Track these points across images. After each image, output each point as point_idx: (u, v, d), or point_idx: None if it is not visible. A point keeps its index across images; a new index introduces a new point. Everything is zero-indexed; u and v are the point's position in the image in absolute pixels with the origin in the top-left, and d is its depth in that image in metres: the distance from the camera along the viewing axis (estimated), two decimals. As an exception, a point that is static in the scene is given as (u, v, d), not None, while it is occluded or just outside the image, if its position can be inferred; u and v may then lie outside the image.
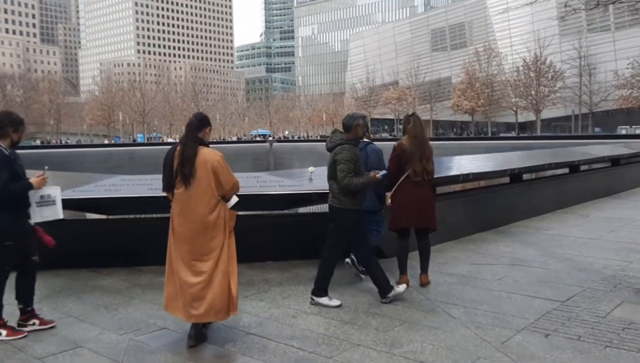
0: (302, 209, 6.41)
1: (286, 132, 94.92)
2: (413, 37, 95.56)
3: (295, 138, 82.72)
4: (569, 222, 9.23)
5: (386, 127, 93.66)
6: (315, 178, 6.16)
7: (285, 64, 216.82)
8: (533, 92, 64.19)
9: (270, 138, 74.70)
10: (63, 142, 66.18)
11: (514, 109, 66.28)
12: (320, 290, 4.91)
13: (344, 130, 5.08)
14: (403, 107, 77.63)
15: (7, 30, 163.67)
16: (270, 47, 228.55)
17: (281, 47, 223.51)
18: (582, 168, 12.26)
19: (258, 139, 76.80)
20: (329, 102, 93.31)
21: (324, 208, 5.32)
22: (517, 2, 78.28)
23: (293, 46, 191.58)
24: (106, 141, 74.75)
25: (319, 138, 79.65)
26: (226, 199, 4.18)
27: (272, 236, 6.29)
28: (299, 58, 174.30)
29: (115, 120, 76.02)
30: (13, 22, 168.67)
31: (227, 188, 4.13)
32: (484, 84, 69.89)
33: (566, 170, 11.65)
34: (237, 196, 4.24)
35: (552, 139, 46.40)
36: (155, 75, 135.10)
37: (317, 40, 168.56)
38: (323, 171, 6.32)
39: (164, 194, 4.37)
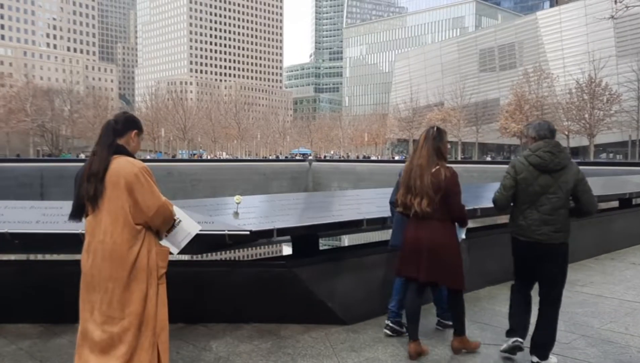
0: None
1: (331, 152, 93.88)
2: (460, 57, 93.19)
3: (336, 157, 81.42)
4: (615, 274, 6.91)
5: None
6: (241, 211, 4.48)
7: (333, 84, 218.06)
8: (587, 115, 60.55)
9: (310, 157, 73.57)
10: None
11: (566, 133, 62.71)
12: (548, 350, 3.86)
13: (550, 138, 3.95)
14: (448, 128, 74.94)
15: (68, 49, 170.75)
16: (319, 68, 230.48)
17: (330, 68, 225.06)
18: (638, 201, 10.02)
19: (298, 158, 75.84)
20: (372, 122, 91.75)
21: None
22: (571, 22, 75.07)
23: (341, 67, 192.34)
24: (148, 156, 75.51)
25: (356, 158, 78.13)
26: (155, 229, 3.05)
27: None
28: (346, 78, 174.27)
29: (159, 136, 76.81)
30: (75, 40, 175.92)
31: (150, 213, 2.96)
32: (534, 106, 66.65)
33: (615, 204, 9.47)
34: None
35: (604, 165, 43.16)
36: (202, 93, 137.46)
37: (366, 60, 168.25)
38: (251, 202, 4.70)
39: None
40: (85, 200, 2.96)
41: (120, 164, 2.95)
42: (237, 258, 5.38)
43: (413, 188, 3.96)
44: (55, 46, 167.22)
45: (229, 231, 3.90)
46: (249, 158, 79.41)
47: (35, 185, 48.70)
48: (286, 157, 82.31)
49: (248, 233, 3.92)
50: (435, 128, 4.13)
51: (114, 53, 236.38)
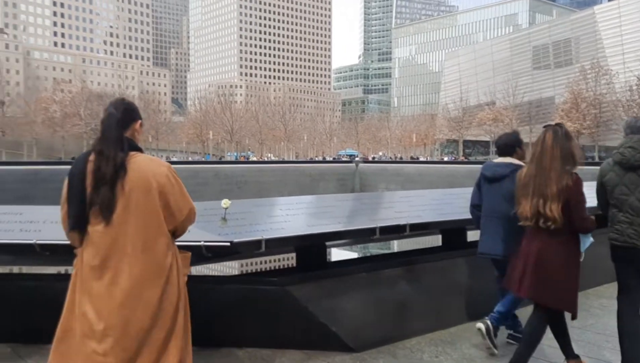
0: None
1: (380, 153, 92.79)
2: (513, 54, 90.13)
3: (384, 159, 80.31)
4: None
5: (482, 149, 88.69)
6: (234, 217, 3.87)
7: (382, 85, 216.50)
8: (649, 113, 57.24)
9: (357, 159, 72.79)
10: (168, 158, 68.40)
11: (627, 132, 59.43)
12: None
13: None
14: (499, 128, 72.68)
15: (124, 55, 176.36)
16: (367, 69, 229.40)
17: (379, 69, 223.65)
18: None
19: (344, 159, 75.20)
20: (421, 122, 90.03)
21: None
22: (631, 16, 71.32)
23: (390, 67, 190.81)
24: (196, 158, 76.63)
25: (399, 158, 76.81)
26: (178, 235, 2.67)
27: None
28: (395, 79, 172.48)
29: (207, 138, 77.84)
30: (130, 47, 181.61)
31: (181, 217, 2.60)
32: (591, 104, 63.58)
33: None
34: None
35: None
36: (250, 95, 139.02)
37: (415, 61, 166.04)
38: (239, 205, 4.09)
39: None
40: (97, 209, 2.42)
41: (144, 164, 2.51)
42: (242, 271, 4.79)
43: (538, 196, 3.37)
44: (112, 53, 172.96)
45: (205, 242, 3.29)
46: (295, 160, 79.32)
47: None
48: (334, 158, 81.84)
49: (228, 244, 3.30)
50: (562, 127, 3.50)
51: (168, 58, 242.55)
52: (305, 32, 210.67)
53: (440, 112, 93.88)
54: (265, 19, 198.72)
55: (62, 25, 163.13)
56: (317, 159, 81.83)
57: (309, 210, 4.23)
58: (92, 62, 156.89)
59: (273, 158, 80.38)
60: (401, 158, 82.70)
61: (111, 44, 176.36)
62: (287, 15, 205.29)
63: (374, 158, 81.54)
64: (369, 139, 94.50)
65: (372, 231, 4.03)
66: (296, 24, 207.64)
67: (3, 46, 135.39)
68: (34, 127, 64.90)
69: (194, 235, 3.39)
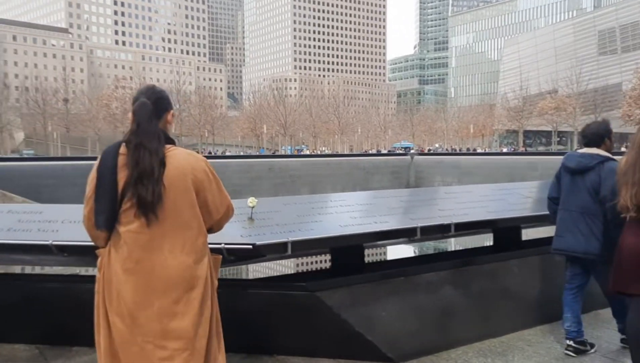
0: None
1: (436, 145, 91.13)
2: (576, 40, 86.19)
3: (440, 151, 78.71)
4: None
5: (543, 140, 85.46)
6: (263, 216, 3.62)
7: (438, 75, 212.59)
8: None
9: (412, 151, 71.63)
10: (212, 153, 69.69)
11: (702, 119, 55.77)
12: None
13: None
14: (562, 118, 69.72)
15: (182, 51, 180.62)
16: (423, 59, 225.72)
17: (435, 59, 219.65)
18: None
19: (399, 152, 74.18)
20: (479, 113, 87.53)
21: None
22: None
23: (447, 57, 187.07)
24: (249, 152, 77.58)
25: (458, 150, 74.99)
26: (212, 232, 2.52)
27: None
28: (452, 69, 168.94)
29: (261, 132, 78.53)
30: (187, 43, 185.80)
31: (219, 216, 2.46)
32: (663, 90, 59.95)
33: None
34: None
35: None
36: (304, 89, 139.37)
37: (472, 49, 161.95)
38: (267, 204, 3.84)
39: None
40: (134, 206, 2.23)
41: (181, 158, 2.31)
42: (273, 273, 4.53)
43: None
44: (169, 49, 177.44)
45: (226, 244, 3.04)
46: (349, 153, 78.88)
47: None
48: (389, 151, 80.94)
49: (250, 247, 3.04)
50: None
51: (223, 53, 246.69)
52: (359, 24, 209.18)
53: (499, 102, 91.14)
54: (319, 11, 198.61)
55: (123, 24, 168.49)
56: (371, 152, 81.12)
57: (343, 209, 3.90)
58: (151, 59, 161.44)
59: (327, 152, 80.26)
60: (460, 149, 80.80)
61: (169, 40, 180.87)
62: (341, 7, 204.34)
63: (429, 150, 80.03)
64: (424, 131, 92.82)
65: (411, 231, 3.68)
66: (350, 15, 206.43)
67: (68, 45, 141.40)
68: (96, 124, 67.35)
69: (215, 236, 3.15)
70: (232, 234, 3.19)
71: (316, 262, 4.15)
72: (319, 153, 73.83)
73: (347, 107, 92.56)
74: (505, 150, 74.57)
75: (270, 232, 3.28)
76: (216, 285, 2.46)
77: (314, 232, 3.36)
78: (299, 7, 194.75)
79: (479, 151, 74.75)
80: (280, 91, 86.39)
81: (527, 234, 5.06)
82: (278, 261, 4.54)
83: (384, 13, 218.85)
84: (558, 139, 76.90)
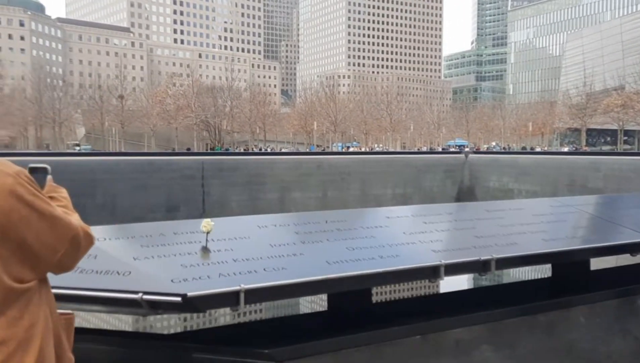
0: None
1: (492, 143, 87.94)
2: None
3: (497, 149, 75.77)
4: None
5: (608, 139, 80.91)
6: (211, 241, 2.60)
7: (496, 71, 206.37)
8: None
9: (466, 149, 69.21)
10: (262, 149, 69.57)
11: None
12: None
13: None
14: (629, 115, 65.50)
15: (237, 49, 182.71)
16: (481, 55, 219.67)
17: (493, 55, 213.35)
18: None
19: (452, 150, 71.85)
20: (538, 110, 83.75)
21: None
22: None
23: (505, 53, 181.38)
24: (299, 149, 77.12)
25: (512, 148, 71.88)
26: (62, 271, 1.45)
27: None
28: (511, 65, 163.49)
29: (311, 129, 77.89)
30: (242, 41, 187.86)
31: (56, 255, 1.36)
32: None
33: None
34: None
35: None
36: (356, 85, 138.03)
37: (533, 44, 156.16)
38: (234, 226, 2.85)
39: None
40: None
41: None
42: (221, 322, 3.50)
43: None
44: (225, 47, 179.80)
45: (145, 294, 2.04)
46: (401, 150, 77.09)
47: (197, 177, 51.87)
48: (443, 149, 78.67)
49: (179, 299, 2.03)
50: None
51: (278, 51, 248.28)
52: (415, 19, 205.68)
53: (560, 98, 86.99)
54: (374, 7, 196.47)
55: (182, 23, 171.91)
56: (423, 149, 79.03)
57: (333, 234, 2.85)
58: (207, 57, 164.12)
59: (378, 149, 78.79)
60: (510, 147, 77.53)
61: (225, 38, 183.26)
62: (397, 2, 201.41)
63: (488, 147, 77.23)
64: (480, 129, 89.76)
65: (431, 271, 2.58)
66: (406, 11, 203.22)
67: (129, 44, 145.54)
68: (151, 120, 68.48)
69: (133, 281, 2.17)
70: (161, 276, 2.20)
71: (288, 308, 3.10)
72: (366, 150, 72.48)
73: (399, 104, 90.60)
74: (566, 149, 70.93)
75: (221, 273, 2.26)
76: (71, 359, 1.47)
77: (285, 273, 2.33)
78: (354, 3, 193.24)
79: (537, 149, 71.39)
80: (331, 88, 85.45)
81: (596, 263, 3.84)
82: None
83: (441, 8, 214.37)
84: (625, 138, 72.48)
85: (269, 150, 68.45)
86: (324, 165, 55.33)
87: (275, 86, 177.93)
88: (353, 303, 2.70)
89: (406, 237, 2.93)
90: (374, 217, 3.39)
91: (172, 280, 2.15)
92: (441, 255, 2.71)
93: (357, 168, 54.71)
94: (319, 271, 2.37)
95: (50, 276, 1.44)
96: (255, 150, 66.35)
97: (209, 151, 65.03)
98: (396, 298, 2.99)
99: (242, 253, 2.47)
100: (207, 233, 2.58)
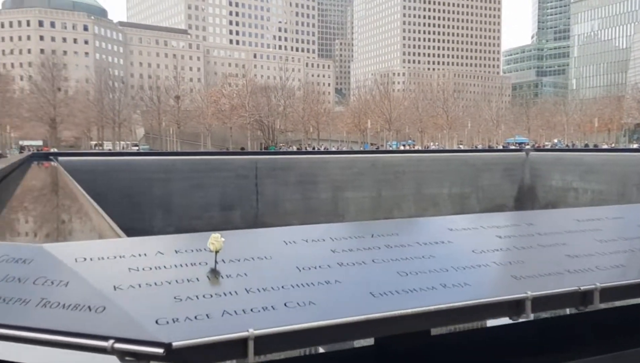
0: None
1: (555, 140, 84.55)
2: None
3: (559, 146, 72.60)
4: None
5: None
6: (220, 263, 2.00)
7: (558, 66, 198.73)
8: None
9: (527, 146, 66.59)
10: (316, 148, 69.36)
11: None
12: None
13: None
14: None
15: (292, 48, 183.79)
16: (542, 49, 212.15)
17: (554, 48, 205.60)
18: None
19: (512, 147, 69.28)
20: (604, 106, 79.68)
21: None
22: None
23: (568, 46, 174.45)
24: (352, 148, 76.45)
25: (584, 145, 68.50)
26: None
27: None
28: (574, 59, 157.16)
29: (365, 127, 77.08)
30: (297, 40, 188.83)
31: None
32: None
33: None
34: None
35: None
36: (411, 83, 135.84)
37: (597, 37, 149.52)
38: (250, 240, 2.26)
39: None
40: None
41: None
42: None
43: None
44: (280, 47, 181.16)
45: (116, 340, 1.47)
46: (457, 148, 75.09)
47: (250, 176, 52.11)
48: (503, 146, 76.16)
49: (160, 351, 1.45)
50: None
51: (332, 49, 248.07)
52: (472, 14, 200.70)
53: (628, 93, 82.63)
54: (429, 2, 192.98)
55: (237, 24, 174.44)
56: (481, 147, 76.69)
57: (381, 253, 2.19)
58: (262, 57, 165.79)
59: (434, 147, 77.04)
60: (573, 144, 74.00)
61: (280, 38, 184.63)
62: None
63: (549, 145, 74.16)
64: (541, 126, 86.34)
65: (513, 306, 1.90)
66: (463, 6, 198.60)
67: (186, 45, 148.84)
68: (206, 120, 69.48)
69: (104, 320, 1.60)
70: (143, 314, 1.62)
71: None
72: (425, 148, 70.94)
73: (456, 101, 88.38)
74: (635, 146, 67.05)
75: (227, 310, 1.66)
76: None
77: (314, 312, 1.70)
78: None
79: (604, 146, 67.86)
80: (385, 85, 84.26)
81: None
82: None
83: (499, 2, 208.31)
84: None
85: (322, 149, 68.17)
86: (378, 164, 54.44)
87: (329, 84, 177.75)
88: (406, 338, 2.04)
89: (476, 257, 2.24)
90: (432, 229, 2.71)
91: (157, 321, 1.56)
92: (525, 283, 2.02)
93: (412, 166, 53.47)
94: (360, 308, 1.73)
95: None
96: (309, 149, 66.17)
97: (262, 150, 65.36)
98: (461, 329, 2.32)
99: (258, 280, 1.86)
100: (216, 252, 1.98)
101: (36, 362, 1.79)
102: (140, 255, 2.01)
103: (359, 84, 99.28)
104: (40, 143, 73.80)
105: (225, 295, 1.77)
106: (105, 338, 1.50)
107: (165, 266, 1.93)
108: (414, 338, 1.97)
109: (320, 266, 2.03)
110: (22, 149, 62.96)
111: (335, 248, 2.20)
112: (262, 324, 1.58)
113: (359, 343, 2.16)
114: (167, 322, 1.58)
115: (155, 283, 1.79)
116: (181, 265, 1.95)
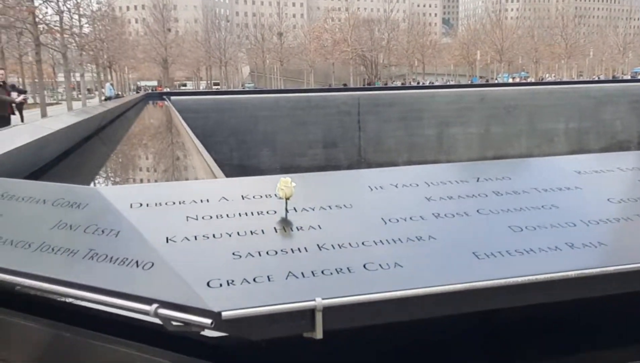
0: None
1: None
2: None
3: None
4: None
5: None
6: (291, 213, 1.71)
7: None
8: None
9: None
10: (421, 83, 67.13)
11: None
12: None
13: None
14: None
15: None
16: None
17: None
18: None
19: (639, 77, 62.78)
20: None
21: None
22: None
23: None
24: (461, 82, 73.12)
25: None
26: None
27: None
28: None
29: (474, 60, 73.06)
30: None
31: None
32: None
33: None
34: None
35: None
36: (528, 9, 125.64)
37: None
38: (313, 187, 1.93)
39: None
40: None
41: None
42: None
43: None
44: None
45: (161, 305, 1.23)
46: (575, 80, 69.30)
47: (353, 113, 51.74)
48: (631, 76, 69.44)
49: (208, 322, 1.19)
50: None
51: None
52: None
53: None
54: None
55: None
56: (603, 78, 70.16)
57: (488, 202, 1.77)
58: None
59: (550, 79, 71.68)
60: None
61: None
62: None
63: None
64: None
65: None
66: None
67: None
68: (309, 56, 69.21)
69: (150, 280, 1.37)
70: (195, 274, 1.38)
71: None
72: (540, 80, 66.22)
73: (577, 27, 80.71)
74: None
75: (292, 272, 1.36)
76: None
77: (402, 276, 1.35)
78: None
79: None
80: (497, 13, 78.63)
81: None
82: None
83: None
84: None
85: (427, 83, 65.92)
86: (488, 98, 51.69)
87: (435, 14, 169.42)
88: (519, 312, 1.65)
89: (613, 209, 1.76)
90: (553, 171, 2.21)
91: (208, 283, 1.30)
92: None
93: (525, 100, 50.18)
94: (460, 273, 1.36)
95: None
96: (413, 84, 64.21)
97: (365, 86, 64.40)
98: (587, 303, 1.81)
99: (334, 234, 1.54)
100: (286, 199, 1.68)
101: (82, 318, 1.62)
102: (202, 201, 1.76)
103: (468, 13, 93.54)
104: (155, 83, 77.91)
105: (293, 251, 1.47)
106: (149, 301, 1.27)
107: (227, 215, 1.66)
108: (530, 312, 1.57)
109: (411, 218, 1.66)
110: (138, 89, 66.70)
111: (431, 195, 1.81)
112: (334, 291, 1.27)
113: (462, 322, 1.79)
114: (221, 284, 1.31)
115: (214, 235, 1.53)
116: (246, 214, 1.67)
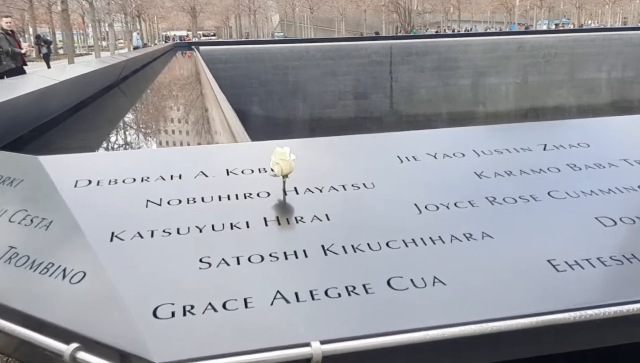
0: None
1: None
2: None
3: None
4: None
5: None
6: (296, 199, 1.22)
7: None
8: None
9: None
10: (456, 31, 64.82)
11: None
12: None
13: None
14: None
15: None
16: None
17: None
18: None
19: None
20: None
21: None
22: None
23: None
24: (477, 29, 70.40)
25: None
26: None
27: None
28: None
29: (513, 6, 69.93)
30: None
31: None
32: None
33: None
34: None
35: None
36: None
37: None
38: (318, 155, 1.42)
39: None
40: None
41: None
42: None
43: None
44: None
45: (78, 347, 0.99)
46: (620, 27, 65.81)
47: (385, 63, 50.34)
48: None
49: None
50: None
51: None
52: None
53: None
54: None
55: None
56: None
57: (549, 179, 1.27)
58: None
59: (593, 26, 68.27)
60: None
61: None
62: None
63: None
64: None
65: None
66: None
67: None
68: (339, 3, 67.16)
69: (72, 307, 1.07)
70: (140, 297, 1.09)
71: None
72: (580, 26, 63.19)
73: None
74: None
75: (282, 290, 1.04)
76: None
77: (437, 300, 0.98)
78: None
79: None
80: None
81: None
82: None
83: None
84: None
85: (462, 31, 63.58)
86: (526, 46, 49.55)
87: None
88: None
89: None
90: (636, 132, 1.69)
91: (155, 312, 0.96)
92: None
93: (565, 48, 47.93)
94: (535, 295, 0.98)
95: None
96: (448, 32, 62.06)
97: (397, 35, 62.56)
98: None
99: (346, 231, 1.08)
100: (284, 178, 1.22)
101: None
102: (172, 178, 1.32)
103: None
104: (184, 32, 77.07)
105: (286, 257, 1.05)
106: (68, 336, 0.91)
107: (203, 198, 1.22)
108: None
109: (456, 205, 1.18)
110: (166, 39, 66.08)
111: (482, 169, 1.31)
112: (341, 326, 0.88)
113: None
114: (173, 314, 0.92)
115: (179, 231, 1.09)
116: (228, 197, 1.23)
